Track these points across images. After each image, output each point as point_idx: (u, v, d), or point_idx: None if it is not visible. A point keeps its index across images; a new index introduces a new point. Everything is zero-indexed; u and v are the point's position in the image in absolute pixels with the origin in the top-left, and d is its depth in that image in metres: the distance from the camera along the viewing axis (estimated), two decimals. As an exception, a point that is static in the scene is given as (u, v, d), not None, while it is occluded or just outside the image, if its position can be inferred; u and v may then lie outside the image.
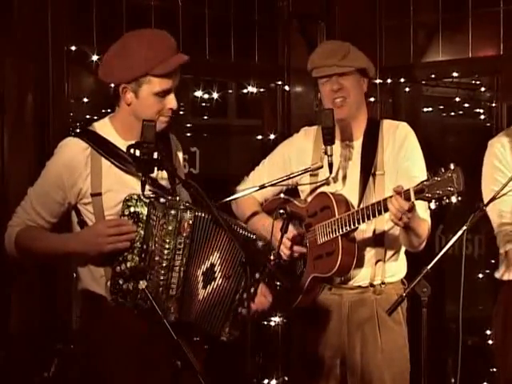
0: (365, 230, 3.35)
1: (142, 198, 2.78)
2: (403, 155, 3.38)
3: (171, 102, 2.89)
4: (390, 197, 3.05)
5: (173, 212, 2.79)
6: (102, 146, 2.90)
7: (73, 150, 2.89)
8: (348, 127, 3.44)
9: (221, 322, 2.88)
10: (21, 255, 2.95)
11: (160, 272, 2.79)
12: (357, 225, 3.22)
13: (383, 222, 3.32)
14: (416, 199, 2.98)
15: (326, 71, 3.37)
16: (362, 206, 3.28)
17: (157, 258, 2.79)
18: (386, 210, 3.09)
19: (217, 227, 2.83)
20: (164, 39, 2.90)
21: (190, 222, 2.80)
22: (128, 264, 2.78)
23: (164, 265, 2.79)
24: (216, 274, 2.86)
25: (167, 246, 2.79)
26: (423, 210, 3.22)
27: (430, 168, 3.25)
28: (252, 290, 2.81)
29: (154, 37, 2.91)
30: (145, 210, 2.78)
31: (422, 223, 3.24)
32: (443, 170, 2.89)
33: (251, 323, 2.68)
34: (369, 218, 3.19)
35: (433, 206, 2.93)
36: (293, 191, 3.58)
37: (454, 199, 2.87)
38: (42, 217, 2.92)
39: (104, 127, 2.96)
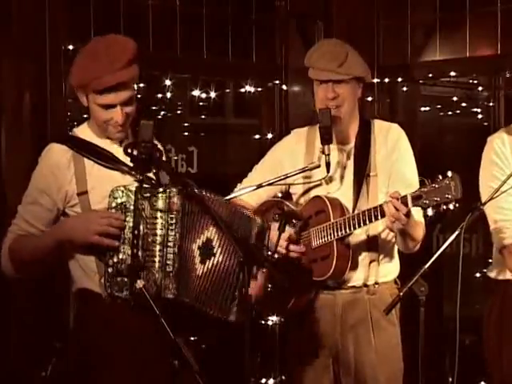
0: (358, 231, 3.33)
1: (127, 187, 2.79)
2: (396, 157, 3.37)
3: (116, 115, 2.87)
4: (387, 202, 3.06)
5: (161, 189, 2.80)
6: (83, 147, 2.92)
7: (55, 155, 2.92)
8: (341, 131, 3.42)
9: (228, 301, 2.86)
10: (17, 270, 2.93)
11: (155, 250, 2.79)
12: (352, 229, 3.22)
13: (377, 224, 3.30)
14: (413, 206, 2.98)
15: (322, 76, 3.35)
16: (356, 208, 3.28)
17: (150, 239, 2.79)
18: (383, 215, 3.09)
19: (213, 203, 2.84)
20: (116, 51, 2.82)
21: (180, 196, 2.80)
22: (120, 256, 2.78)
23: (158, 241, 2.79)
24: (215, 250, 2.85)
25: (159, 222, 2.79)
26: (417, 211, 3.19)
27: (427, 168, 3.26)
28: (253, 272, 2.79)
29: (106, 47, 2.84)
30: (131, 199, 2.79)
31: (418, 227, 3.24)
32: (441, 177, 2.89)
33: (250, 323, 2.68)
34: (365, 223, 3.19)
35: (430, 212, 2.94)
36: (285, 195, 3.57)
37: (451, 206, 2.87)
38: (34, 226, 2.91)
39: (83, 131, 3.00)
